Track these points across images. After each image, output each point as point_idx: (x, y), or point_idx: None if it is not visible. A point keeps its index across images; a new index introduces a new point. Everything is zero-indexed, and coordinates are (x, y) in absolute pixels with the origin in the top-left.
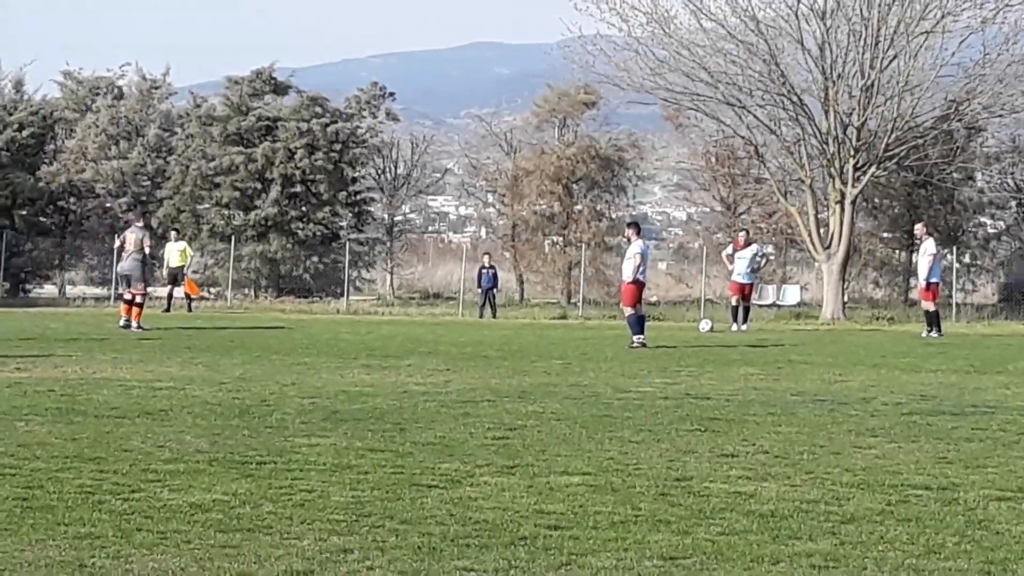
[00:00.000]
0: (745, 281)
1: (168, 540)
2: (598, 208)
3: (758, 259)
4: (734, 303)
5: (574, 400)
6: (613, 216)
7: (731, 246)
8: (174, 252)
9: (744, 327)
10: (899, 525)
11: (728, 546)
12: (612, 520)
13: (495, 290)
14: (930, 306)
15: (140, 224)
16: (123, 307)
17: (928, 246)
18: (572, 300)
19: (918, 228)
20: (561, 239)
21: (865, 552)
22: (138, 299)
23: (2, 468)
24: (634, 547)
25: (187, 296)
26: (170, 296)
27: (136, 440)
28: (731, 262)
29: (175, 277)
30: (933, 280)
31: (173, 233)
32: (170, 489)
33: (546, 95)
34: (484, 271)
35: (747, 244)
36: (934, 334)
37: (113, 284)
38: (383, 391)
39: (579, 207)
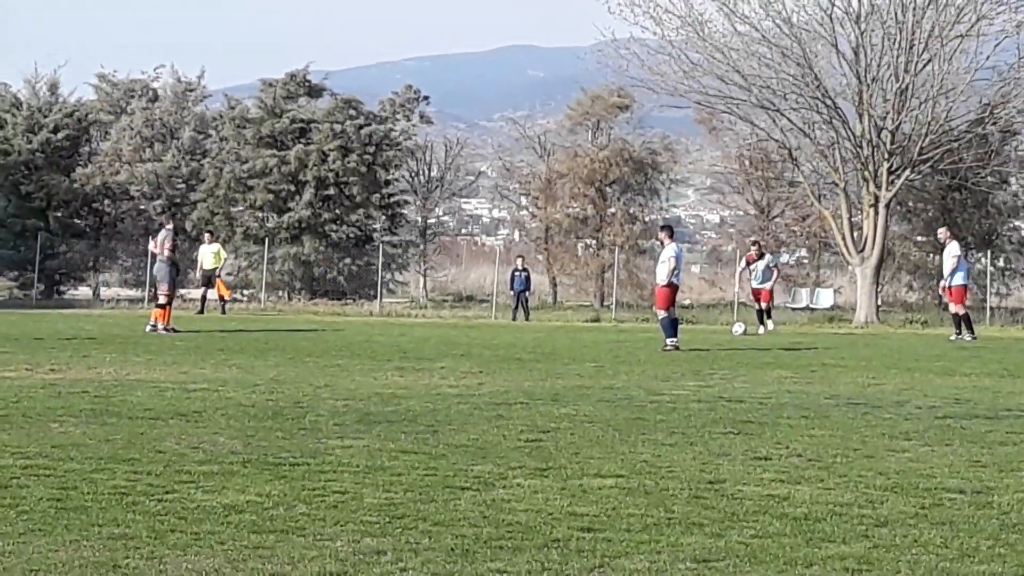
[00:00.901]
0: (763, 286)
1: (202, 541)
2: (631, 211)
3: (771, 268)
4: (758, 307)
5: (607, 403)
6: (646, 219)
7: (744, 259)
8: (207, 254)
9: (769, 327)
10: (933, 528)
11: (761, 549)
12: (645, 523)
13: (527, 293)
14: (959, 309)
15: (169, 226)
16: (158, 312)
17: (952, 248)
18: (605, 303)
19: (942, 232)
20: (594, 242)
21: (899, 555)
22: (161, 299)
23: (37, 469)
24: (667, 550)
25: (221, 298)
26: (204, 298)
27: (170, 441)
28: (742, 278)
29: (209, 279)
30: (960, 283)
31: (207, 235)
32: (204, 490)
33: (579, 98)
34: (517, 274)
35: (760, 256)
36: (967, 337)
37: (147, 286)
38: (416, 393)
39: (612, 210)
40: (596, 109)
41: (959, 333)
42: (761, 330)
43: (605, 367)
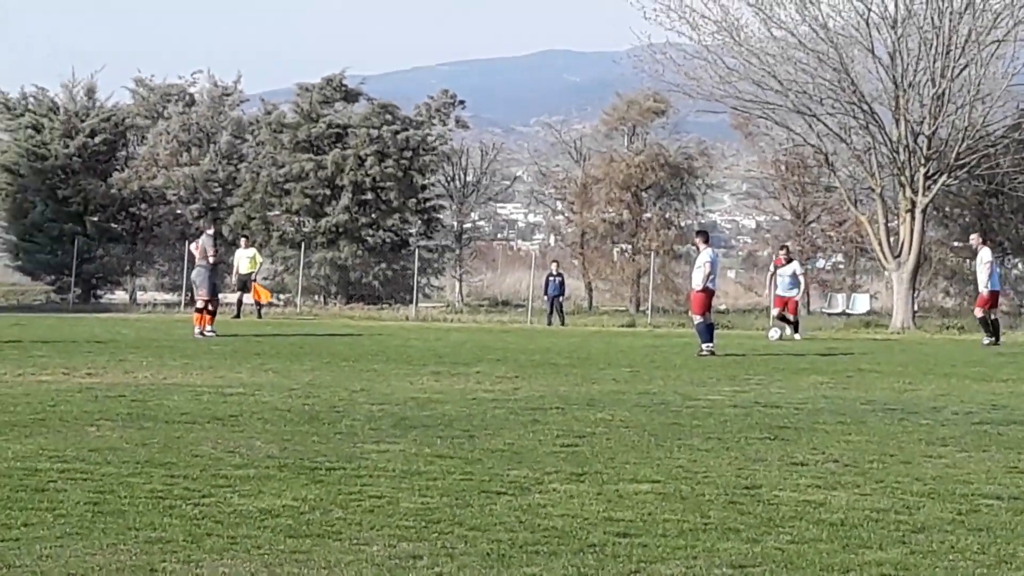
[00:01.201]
0: (788, 295)
1: (238, 545)
2: (667, 216)
3: (798, 276)
4: (775, 314)
5: (643, 408)
6: (682, 224)
7: (773, 264)
8: (243, 259)
9: (784, 334)
10: (970, 535)
11: (798, 555)
12: (681, 528)
13: (562, 298)
14: (979, 312)
15: (210, 231)
16: (195, 316)
17: (984, 255)
18: (641, 308)
19: (973, 238)
20: (630, 247)
21: (936, 562)
22: (199, 304)
23: (74, 473)
24: (703, 555)
25: (257, 302)
26: (239, 302)
27: (206, 445)
28: (771, 282)
29: (244, 284)
30: (995, 288)
31: (243, 240)
32: (240, 495)
33: (615, 103)
34: (551, 278)
35: (788, 261)
36: (984, 340)
37: (183, 290)
38: (452, 398)
39: (648, 215)
40: (632, 114)
41: (993, 338)
42: (797, 336)
43: (641, 372)
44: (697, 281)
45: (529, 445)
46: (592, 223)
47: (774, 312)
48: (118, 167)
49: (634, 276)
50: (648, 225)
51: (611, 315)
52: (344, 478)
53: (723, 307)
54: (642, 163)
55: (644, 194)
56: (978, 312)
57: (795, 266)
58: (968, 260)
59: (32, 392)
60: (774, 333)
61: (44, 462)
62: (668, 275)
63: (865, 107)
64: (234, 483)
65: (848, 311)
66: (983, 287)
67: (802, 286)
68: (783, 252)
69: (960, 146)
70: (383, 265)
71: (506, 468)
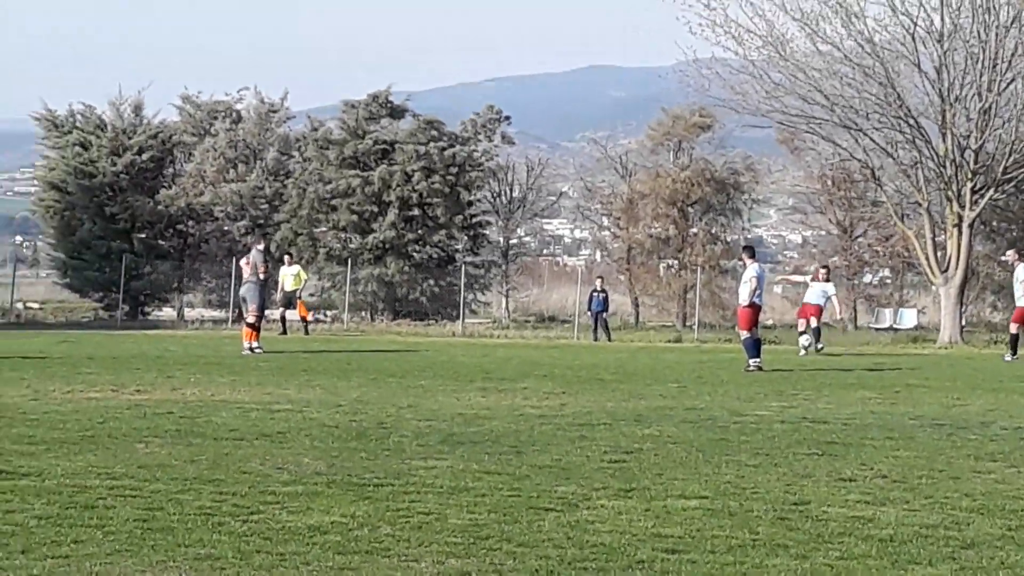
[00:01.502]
0: (816, 303)
1: (287, 562)
2: (713, 231)
3: (829, 295)
4: (801, 328)
5: (690, 423)
6: (728, 239)
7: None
8: (288, 276)
9: (804, 343)
10: (1019, 551)
11: (847, 571)
12: (730, 544)
13: (605, 313)
14: (1013, 328)
15: (260, 247)
16: (244, 332)
17: (1020, 272)
18: (687, 323)
19: (1010, 254)
20: (676, 262)
21: None
22: (250, 319)
23: (123, 490)
24: (752, 571)
25: (303, 319)
26: (283, 319)
27: (255, 462)
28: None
29: (289, 300)
30: None
31: (287, 257)
32: (289, 511)
33: (661, 118)
34: (595, 294)
35: (826, 280)
36: (1007, 357)
37: (231, 307)
38: (499, 414)
39: (694, 230)
40: (677, 129)
41: (1014, 353)
42: (819, 344)
43: (688, 388)
44: (744, 296)
45: (577, 461)
46: (638, 238)
47: (800, 324)
48: (165, 184)
49: (680, 291)
50: (694, 240)
51: (657, 330)
52: (392, 494)
53: (770, 322)
54: (688, 178)
55: (690, 209)
56: (1013, 328)
57: (829, 287)
58: None
59: (81, 409)
60: (813, 343)
61: (93, 479)
62: (714, 290)
63: (911, 121)
64: (282, 500)
65: (895, 326)
66: (1020, 302)
67: (836, 308)
68: (824, 271)
69: (1007, 160)
70: (430, 281)
71: (554, 484)
